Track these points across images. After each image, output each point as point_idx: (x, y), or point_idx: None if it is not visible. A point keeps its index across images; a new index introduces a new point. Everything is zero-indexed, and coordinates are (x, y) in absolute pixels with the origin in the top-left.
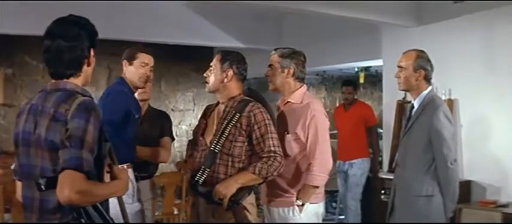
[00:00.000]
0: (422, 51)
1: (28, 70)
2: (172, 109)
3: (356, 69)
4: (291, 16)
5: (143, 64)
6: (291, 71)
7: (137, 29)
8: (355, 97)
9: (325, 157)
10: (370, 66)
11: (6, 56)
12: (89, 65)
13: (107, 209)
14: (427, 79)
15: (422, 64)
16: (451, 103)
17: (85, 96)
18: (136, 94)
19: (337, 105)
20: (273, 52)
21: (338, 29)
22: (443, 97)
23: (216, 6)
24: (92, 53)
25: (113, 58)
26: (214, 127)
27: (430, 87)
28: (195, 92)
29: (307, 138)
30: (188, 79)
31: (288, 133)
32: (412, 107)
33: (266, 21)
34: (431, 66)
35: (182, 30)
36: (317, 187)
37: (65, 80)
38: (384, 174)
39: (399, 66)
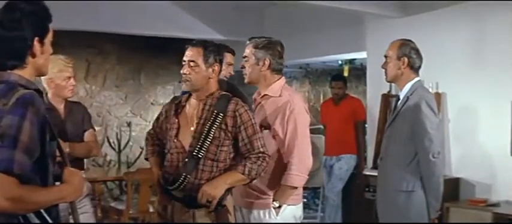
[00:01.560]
0: (409, 40)
1: None
2: (152, 103)
3: (340, 62)
4: (272, 7)
5: (227, 64)
6: (267, 63)
7: (115, 21)
8: (346, 92)
9: (305, 155)
10: (354, 59)
11: None
12: (34, 56)
13: (57, 217)
14: (414, 69)
15: (405, 52)
16: (438, 96)
17: (29, 88)
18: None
19: (321, 99)
20: (247, 42)
21: (321, 20)
22: (430, 91)
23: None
24: (37, 43)
25: (91, 51)
26: (193, 128)
27: (417, 78)
28: (176, 85)
29: (285, 134)
30: (168, 72)
31: (265, 129)
32: (398, 99)
33: (247, 12)
34: (417, 55)
35: (161, 22)
36: (295, 188)
37: (9, 71)
38: (368, 171)
39: (385, 56)
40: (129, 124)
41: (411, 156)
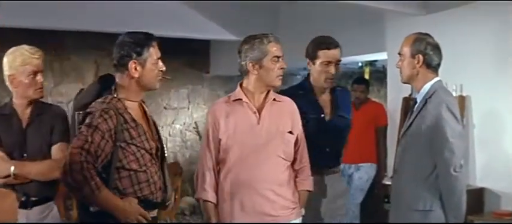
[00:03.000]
0: (425, 34)
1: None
2: (165, 107)
3: (360, 64)
4: (287, 5)
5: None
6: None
7: (125, 22)
8: (368, 96)
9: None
10: (375, 61)
11: None
12: None
13: None
14: (431, 67)
15: (420, 49)
16: (462, 100)
17: None
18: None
19: None
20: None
21: (338, 19)
22: (454, 94)
23: None
24: None
25: (100, 52)
26: None
27: (436, 78)
28: (190, 89)
29: (297, 137)
30: (182, 74)
31: (292, 134)
32: (415, 103)
33: (260, 12)
34: (435, 51)
35: (171, 22)
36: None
37: None
38: (388, 180)
39: (399, 54)
40: None
41: (429, 170)
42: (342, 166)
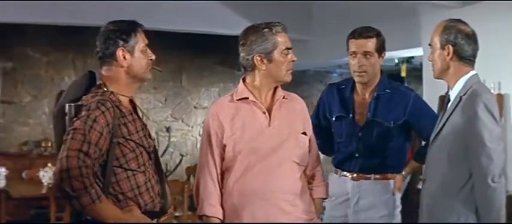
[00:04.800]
0: (455, 21)
1: (30, 64)
2: (195, 107)
3: (396, 61)
4: (320, 1)
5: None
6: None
7: (154, 17)
8: None
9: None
10: (412, 57)
11: (5, 48)
12: None
13: None
14: (464, 59)
15: (449, 38)
16: (500, 98)
17: None
18: None
19: None
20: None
21: (371, 14)
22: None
23: None
24: None
25: None
26: None
27: (472, 72)
28: (221, 87)
29: (310, 139)
30: (213, 73)
31: (305, 135)
32: (448, 100)
33: (293, 7)
34: (468, 39)
35: (201, 18)
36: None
37: None
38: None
39: (430, 45)
40: (168, 129)
41: (464, 179)
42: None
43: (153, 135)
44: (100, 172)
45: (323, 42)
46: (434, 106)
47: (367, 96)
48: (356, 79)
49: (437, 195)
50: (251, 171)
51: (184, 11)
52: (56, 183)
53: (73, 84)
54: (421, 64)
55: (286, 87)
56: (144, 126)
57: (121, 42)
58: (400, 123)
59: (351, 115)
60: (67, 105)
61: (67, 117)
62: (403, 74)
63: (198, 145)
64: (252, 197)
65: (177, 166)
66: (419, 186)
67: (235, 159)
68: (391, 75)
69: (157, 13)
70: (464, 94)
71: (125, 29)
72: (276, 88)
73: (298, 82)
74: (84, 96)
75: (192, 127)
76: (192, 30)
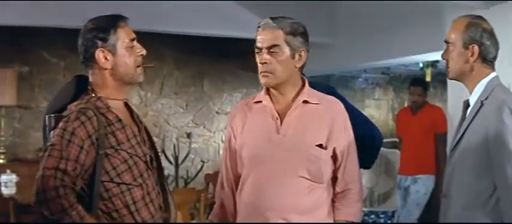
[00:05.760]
0: (478, 18)
1: (47, 68)
2: (217, 112)
3: (421, 65)
4: (343, 3)
5: None
6: (304, 55)
7: (175, 20)
8: (426, 99)
9: (360, 179)
10: (437, 61)
11: (21, 51)
12: None
13: None
14: (487, 61)
15: (475, 37)
16: None
17: None
18: None
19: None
20: (272, 24)
21: (396, 15)
22: None
23: None
24: None
25: (146, 54)
26: None
27: (492, 74)
28: (244, 93)
29: (342, 153)
30: (235, 77)
31: (324, 149)
32: (467, 106)
33: (317, 11)
34: (492, 40)
35: (222, 21)
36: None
37: None
38: None
39: (446, 42)
40: (188, 135)
41: (488, 192)
42: (398, 177)
43: (173, 141)
44: (88, 189)
45: (347, 44)
46: (458, 112)
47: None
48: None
49: (459, 210)
50: (253, 184)
51: (207, 14)
52: (34, 206)
53: (59, 92)
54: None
55: None
56: (140, 132)
57: (99, 42)
58: None
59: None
60: (46, 117)
61: (47, 130)
62: (428, 79)
63: (221, 152)
64: (251, 213)
65: (198, 172)
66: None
67: (243, 167)
68: (416, 80)
69: (177, 16)
70: (486, 99)
71: (102, 27)
72: (300, 90)
73: None
74: (69, 105)
75: (214, 133)
76: (214, 33)
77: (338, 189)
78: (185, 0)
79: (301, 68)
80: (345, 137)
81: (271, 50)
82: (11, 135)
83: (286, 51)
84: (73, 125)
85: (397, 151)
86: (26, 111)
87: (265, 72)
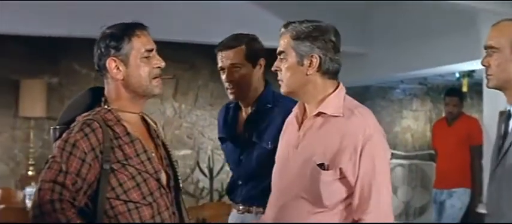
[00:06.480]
0: None
1: (77, 80)
2: None
3: (457, 75)
4: (377, 9)
5: None
6: (315, 61)
7: (198, 29)
8: (462, 110)
9: (385, 209)
10: (474, 71)
11: (51, 62)
12: None
13: None
14: None
15: None
16: None
17: None
18: None
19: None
20: (283, 29)
21: (429, 25)
22: None
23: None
24: None
25: (180, 65)
26: None
27: None
28: None
29: (357, 177)
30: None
31: (326, 169)
32: (509, 117)
33: (349, 18)
34: None
35: (251, 29)
36: None
37: None
38: (483, 208)
39: (487, 47)
40: None
41: None
42: (433, 191)
43: (208, 153)
44: (92, 205)
45: (382, 55)
46: (494, 123)
47: (249, 111)
48: (229, 97)
49: None
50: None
51: (234, 21)
52: (32, 221)
53: (71, 103)
54: (482, 79)
55: None
56: (157, 148)
57: (112, 51)
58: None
59: (233, 136)
60: (51, 129)
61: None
62: (465, 89)
63: None
64: None
65: None
66: (480, 209)
67: None
68: (452, 90)
69: (212, 26)
70: None
71: (115, 35)
72: (323, 99)
73: (360, 100)
74: (78, 116)
75: None
76: None
77: (355, 216)
78: (221, 11)
79: (331, 74)
80: (356, 157)
81: (281, 57)
82: (40, 146)
83: (293, 57)
84: (75, 137)
85: (433, 164)
86: (55, 122)
87: (279, 80)
